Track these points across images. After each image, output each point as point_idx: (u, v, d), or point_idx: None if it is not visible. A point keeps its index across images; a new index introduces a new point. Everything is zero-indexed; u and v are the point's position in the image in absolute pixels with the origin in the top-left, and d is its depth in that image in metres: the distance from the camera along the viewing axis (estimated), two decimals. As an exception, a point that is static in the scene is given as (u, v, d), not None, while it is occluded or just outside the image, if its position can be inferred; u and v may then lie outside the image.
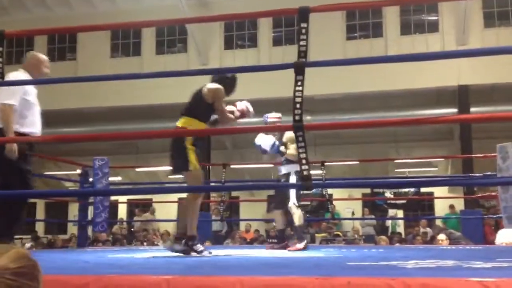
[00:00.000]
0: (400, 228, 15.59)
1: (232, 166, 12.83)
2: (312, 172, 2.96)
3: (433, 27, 13.48)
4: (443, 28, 13.25)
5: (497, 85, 12.66)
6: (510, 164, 6.25)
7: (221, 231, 12.36)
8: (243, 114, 4.54)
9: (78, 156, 12.86)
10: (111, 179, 7.71)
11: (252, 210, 15.51)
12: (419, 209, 17.03)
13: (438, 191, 14.57)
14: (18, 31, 3.79)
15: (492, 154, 6.71)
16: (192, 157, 4.09)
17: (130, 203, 16.70)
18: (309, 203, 16.25)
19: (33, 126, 4.21)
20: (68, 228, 16.89)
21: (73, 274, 2.35)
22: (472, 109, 12.30)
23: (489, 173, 7.19)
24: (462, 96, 12.65)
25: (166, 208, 16.70)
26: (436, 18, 13.49)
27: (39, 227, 17.57)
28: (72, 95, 13.38)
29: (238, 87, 4.31)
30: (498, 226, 9.48)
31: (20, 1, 14.77)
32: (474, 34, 12.82)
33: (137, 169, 15.76)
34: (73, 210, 14.22)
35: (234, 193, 15.46)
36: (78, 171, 7.52)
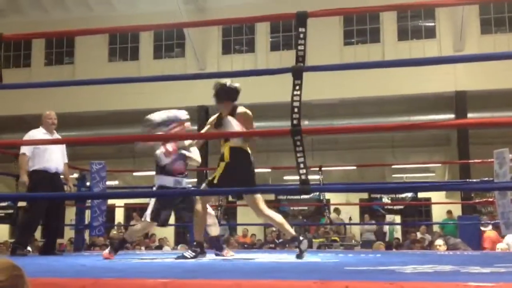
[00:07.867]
0: (398, 234, 15.56)
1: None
2: (309, 177, 2.97)
3: (430, 33, 13.52)
4: (440, 34, 13.29)
5: (494, 91, 12.69)
6: (507, 169, 6.26)
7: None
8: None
9: (75, 160, 12.79)
10: (108, 183, 7.70)
11: (250, 215, 15.47)
12: (417, 214, 17.01)
13: (436, 196, 14.55)
14: (15, 34, 3.76)
15: (489, 160, 6.72)
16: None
17: (127, 207, 16.64)
18: (306, 208, 16.25)
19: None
20: (65, 232, 16.80)
21: (70, 277, 2.34)
22: (469, 115, 12.31)
23: (486, 178, 7.20)
24: (460, 102, 12.66)
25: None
26: (433, 24, 13.54)
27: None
28: (70, 99, 13.35)
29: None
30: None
31: (16, 4, 14.76)
32: (471, 40, 12.86)
33: (134, 173, 15.70)
34: (70, 214, 14.13)
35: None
36: (75, 175, 7.51)
